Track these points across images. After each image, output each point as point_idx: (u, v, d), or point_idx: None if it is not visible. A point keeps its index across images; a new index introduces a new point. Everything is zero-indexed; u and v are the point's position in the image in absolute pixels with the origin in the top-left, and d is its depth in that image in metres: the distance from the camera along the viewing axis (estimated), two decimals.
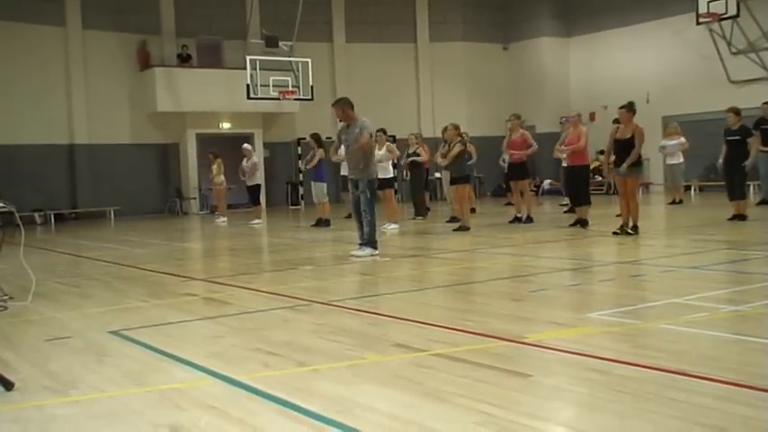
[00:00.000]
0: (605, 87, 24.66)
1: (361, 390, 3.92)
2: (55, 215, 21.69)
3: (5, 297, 7.38)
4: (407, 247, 11.41)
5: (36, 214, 21.19)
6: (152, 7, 24.08)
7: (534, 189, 25.47)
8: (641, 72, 24.20)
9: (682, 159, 17.25)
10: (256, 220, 17.59)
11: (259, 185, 18.34)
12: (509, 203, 20.05)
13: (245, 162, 17.93)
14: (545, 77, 26.96)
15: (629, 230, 10.97)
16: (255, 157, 18.74)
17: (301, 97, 22.89)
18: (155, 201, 23.82)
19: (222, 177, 18.79)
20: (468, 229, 12.92)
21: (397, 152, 15.19)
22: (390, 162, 14.51)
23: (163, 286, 8.31)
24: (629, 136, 10.90)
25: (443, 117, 25.79)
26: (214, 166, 18.88)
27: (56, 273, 9.75)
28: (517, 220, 13.92)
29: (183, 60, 24.06)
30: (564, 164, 14.53)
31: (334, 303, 6.57)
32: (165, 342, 5.25)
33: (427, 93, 27.48)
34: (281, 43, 22.72)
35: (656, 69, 23.90)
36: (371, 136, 10.06)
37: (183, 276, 8.98)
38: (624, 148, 10.97)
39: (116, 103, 23.49)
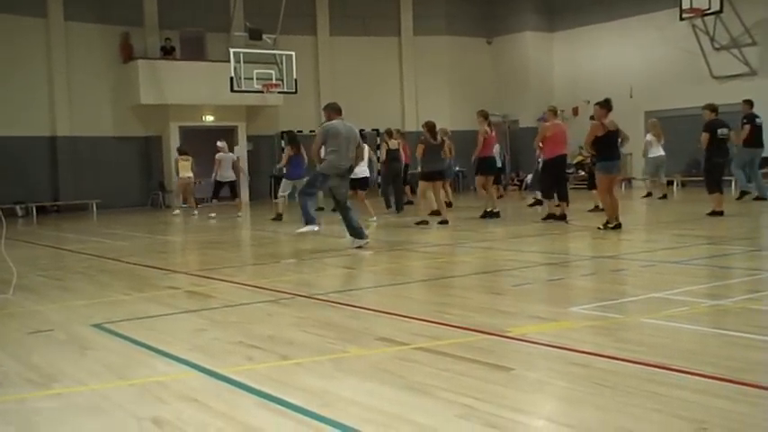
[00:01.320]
0: (589, 82, 24.74)
1: (344, 383, 3.94)
2: (37, 208, 21.52)
3: None
4: (389, 241, 11.43)
5: (17, 207, 21.02)
6: None
7: (517, 183, 25.61)
8: (624, 67, 24.30)
9: (662, 152, 17.41)
10: (239, 214, 17.58)
11: (235, 181, 18.30)
12: (500, 196, 20.10)
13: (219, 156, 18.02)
14: (528, 72, 27.02)
15: (601, 226, 11.00)
16: (230, 153, 18.56)
17: (285, 90, 22.83)
18: (137, 194, 23.69)
19: (191, 173, 18.80)
20: (426, 222, 13.11)
21: (367, 155, 14.78)
22: (366, 162, 14.36)
23: (145, 279, 8.28)
24: (600, 134, 10.95)
25: (427, 111, 25.83)
26: (186, 163, 18.79)
27: (38, 265, 9.69)
28: (491, 214, 13.99)
29: (167, 53, 23.90)
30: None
31: (317, 297, 6.58)
32: (147, 335, 5.24)
33: (411, 86, 27.47)
34: (264, 36, 22.64)
35: (639, 64, 24.00)
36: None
37: (166, 269, 8.96)
38: (595, 143, 11.06)
39: (99, 96, 23.31)
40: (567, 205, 13.11)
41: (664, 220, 13.34)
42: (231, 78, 21.48)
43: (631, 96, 23.69)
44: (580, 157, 21.05)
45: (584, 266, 8.31)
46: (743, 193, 15.49)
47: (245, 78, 21.77)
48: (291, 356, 4.53)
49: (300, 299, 6.55)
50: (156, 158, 24.10)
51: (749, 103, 15.84)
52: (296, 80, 22.62)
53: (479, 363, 4.18)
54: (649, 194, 17.78)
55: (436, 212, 14.20)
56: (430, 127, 13.70)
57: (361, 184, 14.44)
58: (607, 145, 11.02)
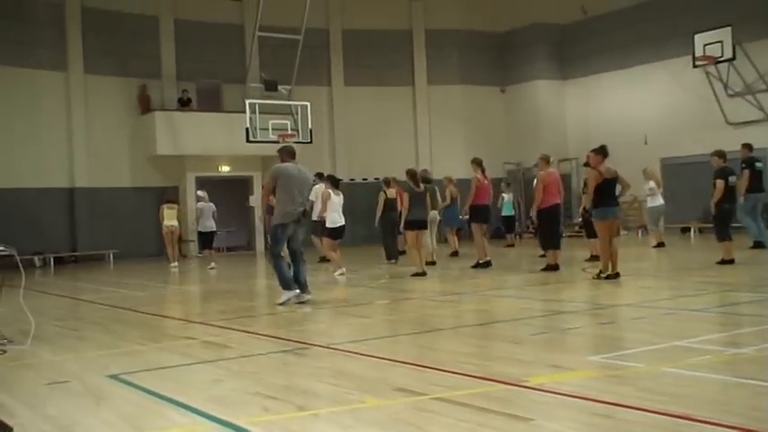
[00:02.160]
0: (602, 129, 24.79)
1: None
2: (54, 258, 21.64)
3: (4, 341, 7.33)
4: (403, 290, 11.38)
5: (36, 257, 21.15)
6: (153, 52, 24.34)
7: (533, 231, 25.53)
8: (638, 114, 24.37)
9: (660, 202, 17.14)
10: (212, 264, 17.41)
11: (213, 232, 18.17)
12: (510, 245, 20.02)
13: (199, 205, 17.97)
14: (542, 120, 27.15)
15: (607, 275, 10.76)
16: (210, 203, 18.30)
17: (300, 140, 22.99)
18: (153, 244, 23.74)
19: (176, 222, 18.52)
20: (424, 274, 12.81)
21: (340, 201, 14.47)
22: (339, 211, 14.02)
23: (161, 329, 8.27)
24: (599, 182, 10.86)
25: (441, 159, 26.00)
26: (171, 211, 18.50)
27: (55, 316, 9.70)
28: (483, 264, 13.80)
29: (183, 104, 24.25)
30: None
31: (333, 346, 6.53)
32: (163, 386, 5.21)
33: (425, 135, 27.65)
34: (279, 87, 22.92)
35: (653, 111, 24.07)
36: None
37: (182, 319, 8.94)
38: (596, 190, 10.95)
39: (117, 147, 23.62)
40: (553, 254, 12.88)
41: (679, 268, 13.22)
42: (247, 129, 21.70)
43: (646, 143, 23.71)
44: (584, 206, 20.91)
45: (601, 315, 8.22)
46: (757, 244, 14.94)
47: (260, 129, 21.97)
48: (308, 407, 4.49)
49: (316, 348, 6.51)
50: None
51: (748, 146, 15.34)
52: (311, 130, 22.82)
53: (498, 413, 4.12)
54: (661, 244, 17.08)
55: (431, 263, 14.16)
56: (412, 174, 13.48)
57: (338, 233, 14.01)
58: (605, 192, 10.86)
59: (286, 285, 9.70)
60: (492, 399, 4.46)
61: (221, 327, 8.11)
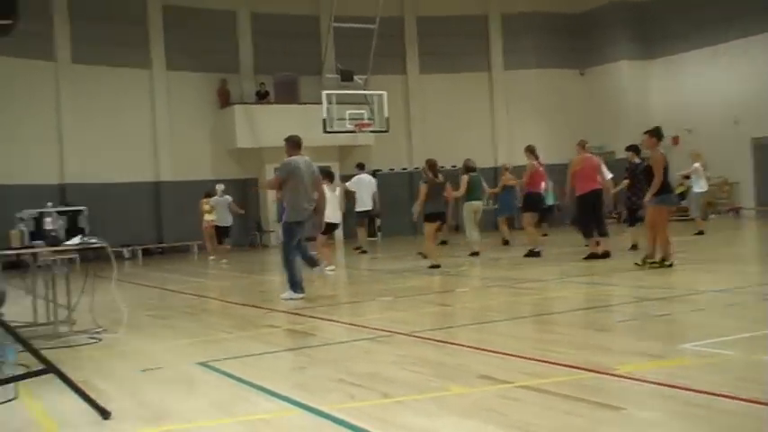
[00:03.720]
0: (689, 110, 24.02)
1: (446, 422, 3.88)
2: (142, 250, 22.32)
3: (99, 329, 7.61)
4: (484, 278, 11.30)
5: (124, 249, 21.83)
6: (231, 47, 24.80)
7: (615, 216, 24.98)
8: (728, 93, 23.45)
9: (704, 188, 16.42)
10: (224, 261, 17.56)
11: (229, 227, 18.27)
12: (544, 234, 19.34)
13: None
14: (624, 102, 26.47)
15: (652, 262, 10.34)
16: (226, 196, 18.46)
17: (377, 129, 23.06)
18: (236, 234, 24.22)
19: (215, 217, 18.54)
20: (437, 266, 12.44)
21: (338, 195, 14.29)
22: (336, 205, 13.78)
23: (246, 318, 8.43)
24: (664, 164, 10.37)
25: (519, 145, 25.50)
26: (207, 206, 18.73)
27: (145, 305, 10.01)
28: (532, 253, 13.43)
29: (261, 97, 24.63)
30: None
31: (416, 334, 6.53)
32: (250, 373, 5.30)
33: (502, 121, 27.34)
34: (355, 77, 23.01)
35: (743, 89, 23.10)
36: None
37: (265, 308, 9.09)
38: (647, 174, 10.51)
39: (198, 141, 24.18)
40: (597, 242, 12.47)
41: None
42: (324, 120, 21.87)
43: (736, 123, 22.88)
44: (682, 188, 20.30)
45: (690, 301, 7.97)
46: None
47: (337, 119, 22.12)
48: (392, 394, 4.50)
49: (399, 336, 6.52)
50: (253, 200, 24.67)
51: None
52: (387, 119, 22.84)
53: (587, 402, 4.04)
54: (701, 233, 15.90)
55: (475, 253, 14.02)
56: (431, 165, 13.07)
57: (331, 228, 13.64)
58: (664, 177, 10.35)
59: (294, 286, 9.48)
60: (580, 387, 4.38)
61: (303, 315, 8.21)
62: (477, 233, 14.86)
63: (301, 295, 9.45)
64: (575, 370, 4.81)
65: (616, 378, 4.54)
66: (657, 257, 10.38)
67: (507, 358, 5.31)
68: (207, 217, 18.75)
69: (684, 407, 3.89)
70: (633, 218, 13.20)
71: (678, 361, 4.92)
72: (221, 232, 18.37)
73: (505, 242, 16.88)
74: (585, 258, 12.16)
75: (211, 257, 18.43)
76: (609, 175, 13.87)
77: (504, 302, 8.70)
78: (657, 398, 4.13)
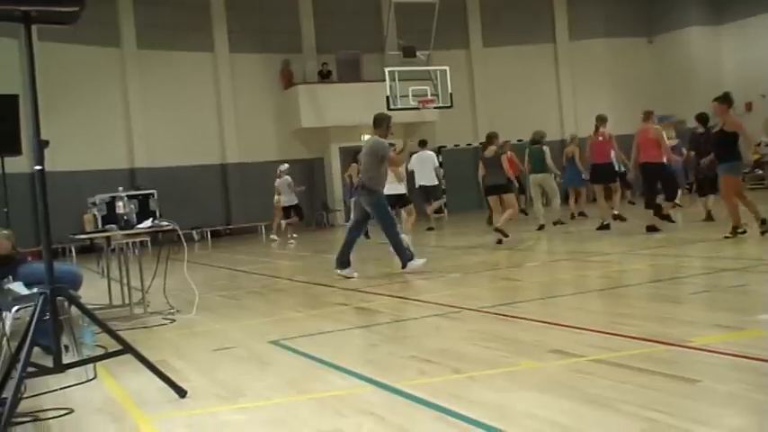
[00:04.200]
0: (763, 76, 23.22)
1: (519, 396, 3.87)
2: (211, 232, 22.77)
3: (173, 310, 7.81)
4: (553, 251, 11.19)
5: (194, 231, 22.31)
6: (293, 27, 24.95)
7: (687, 187, 24.37)
8: None
9: None
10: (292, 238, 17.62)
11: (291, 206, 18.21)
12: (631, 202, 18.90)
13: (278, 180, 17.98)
14: (694, 69, 25.74)
15: (742, 231, 10.04)
16: (285, 177, 18.44)
17: (441, 105, 22.95)
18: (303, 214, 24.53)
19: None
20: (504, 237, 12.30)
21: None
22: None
23: (315, 297, 8.53)
24: (727, 130, 10.04)
25: (586, 117, 25.12)
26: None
27: (216, 286, 10.22)
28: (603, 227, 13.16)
29: (324, 76, 24.76)
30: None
31: (485, 310, 6.51)
32: (322, 351, 5.37)
33: (568, 93, 26.91)
34: (418, 53, 22.90)
35: None
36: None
37: (334, 287, 9.18)
38: (718, 143, 10.20)
39: (263, 122, 24.49)
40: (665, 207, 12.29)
41: None
42: (387, 97, 21.84)
43: None
44: (757, 156, 19.68)
45: (766, 271, 7.75)
46: None
47: (400, 96, 22.08)
48: (464, 370, 4.50)
49: (468, 312, 6.51)
50: (320, 179, 24.90)
51: None
52: (451, 94, 22.69)
53: (662, 374, 3.97)
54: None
55: (541, 227, 13.88)
56: (488, 138, 13.15)
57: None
58: (735, 144, 10.07)
59: (408, 256, 9.56)
60: (654, 360, 4.31)
61: (371, 293, 8.27)
62: (540, 206, 14.75)
63: (423, 260, 9.61)
64: (648, 343, 4.74)
65: (691, 350, 4.46)
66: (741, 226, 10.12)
67: (578, 332, 5.26)
68: (275, 198, 18.92)
69: (762, 378, 3.80)
70: (702, 188, 12.88)
71: (753, 332, 4.80)
72: (286, 212, 18.50)
73: (572, 215, 16.51)
74: (647, 230, 11.89)
75: (272, 236, 18.63)
76: (673, 144, 13.60)
77: (574, 276, 8.60)
78: (734, 370, 4.04)
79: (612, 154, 14.03)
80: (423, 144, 18.48)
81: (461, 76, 25.25)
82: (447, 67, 22.73)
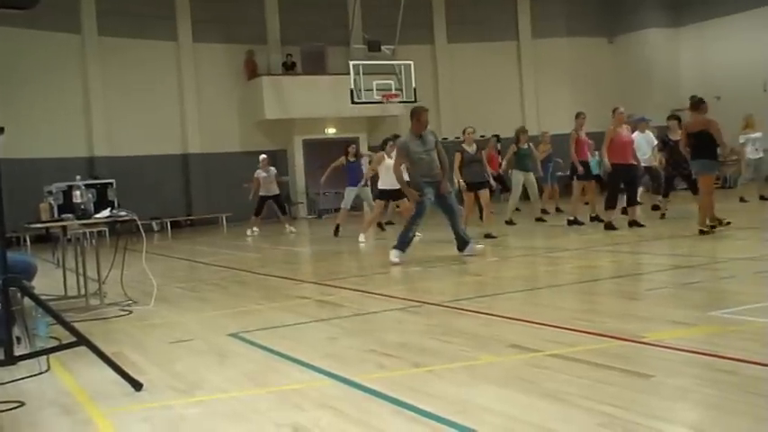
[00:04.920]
0: (719, 77, 23.66)
1: (477, 390, 3.89)
2: (171, 222, 22.54)
3: (130, 302, 7.72)
4: (515, 247, 11.28)
5: (153, 222, 22.07)
6: (258, 18, 24.77)
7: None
8: (757, 60, 23.07)
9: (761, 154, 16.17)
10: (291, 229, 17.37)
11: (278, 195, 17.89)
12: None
13: (264, 173, 17.50)
14: (653, 70, 26.13)
15: (703, 229, 10.28)
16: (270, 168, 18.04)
17: (405, 100, 22.94)
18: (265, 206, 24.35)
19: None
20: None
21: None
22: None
23: (276, 290, 8.50)
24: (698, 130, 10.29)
25: (548, 114, 25.46)
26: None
27: (175, 277, 10.13)
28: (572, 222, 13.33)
29: (288, 68, 24.63)
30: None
31: (446, 304, 6.55)
32: (281, 344, 5.36)
33: (531, 90, 27.12)
34: (383, 47, 22.91)
35: None
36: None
37: (296, 279, 9.16)
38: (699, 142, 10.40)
39: (226, 113, 24.28)
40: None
41: None
42: (351, 90, 21.81)
43: (766, 90, 22.48)
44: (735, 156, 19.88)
45: (721, 269, 7.90)
46: None
47: (365, 90, 22.05)
48: (424, 364, 4.53)
49: (429, 306, 6.54)
50: (282, 172, 24.72)
51: None
52: (415, 89, 22.72)
53: (617, 370, 4.04)
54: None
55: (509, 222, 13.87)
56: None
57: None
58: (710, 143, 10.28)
59: (466, 242, 9.91)
60: (610, 355, 4.37)
61: (334, 286, 8.27)
62: (512, 202, 14.96)
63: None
64: (604, 338, 4.81)
65: (645, 346, 4.53)
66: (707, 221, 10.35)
67: (537, 327, 5.32)
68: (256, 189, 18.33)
69: (713, 373, 3.88)
70: (668, 187, 13.17)
71: (706, 328, 4.89)
72: (261, 203, 17.91)
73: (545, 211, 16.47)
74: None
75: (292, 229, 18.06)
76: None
77: (535, 272, 8.69)
78: (687, 365, 4.12)
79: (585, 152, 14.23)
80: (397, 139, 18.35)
81: (426, 72, 25.29)
82: (411, 62, 22.75)
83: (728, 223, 10.60)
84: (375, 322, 6.09)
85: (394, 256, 9.64)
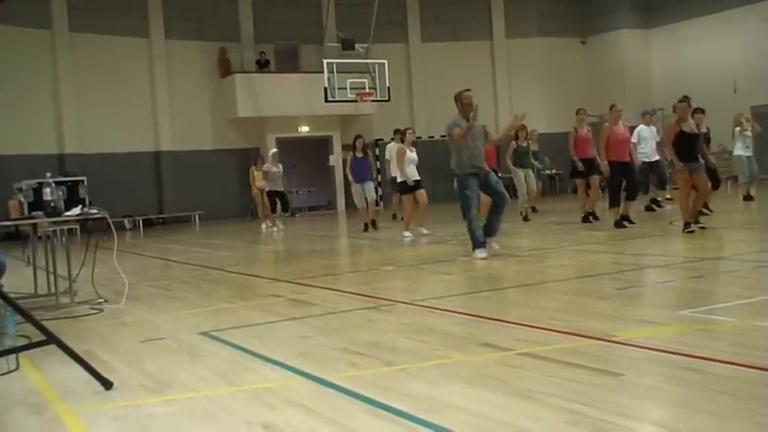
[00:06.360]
0: (689, 78, 23.92)
1: (449, 389, 3.92)
2: (143, 220, 22.37)
3: (101, 300, 7.65)
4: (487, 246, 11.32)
5: (125, 220, 21.89)
6: (231, 15, 24.64)
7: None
8: (727, 61, 23.40)
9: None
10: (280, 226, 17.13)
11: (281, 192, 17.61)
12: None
13: (275, 168, 17.29)
14: (625, 71, 26.39)
15: (701, 226, 10.46)
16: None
17: (378, 99, 23.00)
18: (237, 205, 24.29)
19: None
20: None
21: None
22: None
23: (249, 288, 8.47)
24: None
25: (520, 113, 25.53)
26: (260, 174, 18.14)
27: (147, 276, 10.06)
28: (590, 216, 13.49)
29: (262, 66, 24.53)
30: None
31: (418, 303, 6.57)
32: (253, 342, 5.35)
33: (504, 90, 27.25)
34: (357, 46, 22.91)
35: (743, 58, 23.07)
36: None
37: (268, 278, 9.14)
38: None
39: (198, 110, 24.12)
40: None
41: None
42: (325, 89, 21.80)
43: (735, 91, 22.80)
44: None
45: (691, 269, 8.00)
46: None
47: (338, 88, 22.06)
48: (395, 363, 4.54)
49: (401, 305, 6.56)
50: None
51: None
52: (389, 88, 22.77)
53: (586, 368, 4.08)
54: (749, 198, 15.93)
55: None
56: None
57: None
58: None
59: (475, 242, 9.53)
60: (580, 354, 4.42)
61: (307, 285, 8.25)
62: (522, 199, 14.99)
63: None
64: (574, 337, 4.85)
65: (615, 345, 4.58)
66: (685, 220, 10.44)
67: (508, 326, 5.36)
68: (258, 184, 18.13)
69: (682, 372, 3.93)
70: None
71: (674, 327, 4.96)
72: (272, 198, 17.41)
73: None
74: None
75: (265, 225, 17.67)
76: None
77: (508, 271, 8.73)
78: (655, 364, 4.17)
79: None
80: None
81: (399, 71, 25.33)
82: (385, 61, 22.79)
83: (703, 228, 10.61)
84: (347, 321, 6.09)
85: (479, 254, 9.38)
